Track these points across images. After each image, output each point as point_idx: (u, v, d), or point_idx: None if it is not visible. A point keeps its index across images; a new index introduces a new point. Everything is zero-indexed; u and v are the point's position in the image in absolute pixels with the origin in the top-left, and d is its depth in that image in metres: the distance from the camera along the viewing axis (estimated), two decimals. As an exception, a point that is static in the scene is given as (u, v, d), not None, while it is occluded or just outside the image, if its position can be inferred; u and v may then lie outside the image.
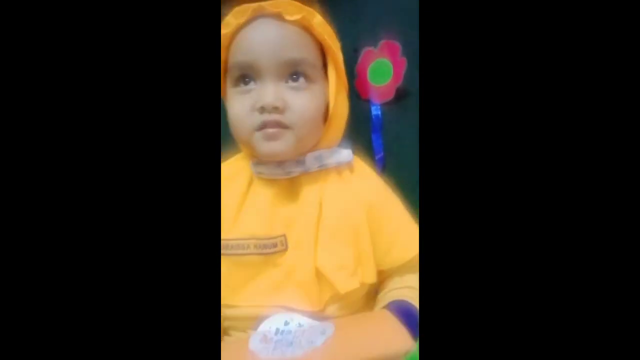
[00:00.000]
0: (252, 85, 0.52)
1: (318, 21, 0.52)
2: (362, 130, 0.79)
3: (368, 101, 0.79)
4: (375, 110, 0.80)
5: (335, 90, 0.54)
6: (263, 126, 0.51)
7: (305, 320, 0.51)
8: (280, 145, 0.51)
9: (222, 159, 0.60)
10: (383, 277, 0.59)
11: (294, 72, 0.51)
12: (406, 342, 0.46)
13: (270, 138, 0.51)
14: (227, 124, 0.54)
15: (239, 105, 0.52)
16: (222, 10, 0.51)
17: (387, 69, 0.77)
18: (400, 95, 0.79)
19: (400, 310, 0.53)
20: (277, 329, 0.50)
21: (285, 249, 0.54)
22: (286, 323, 0.51)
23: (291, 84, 0.52)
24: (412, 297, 0.56)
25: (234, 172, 0.59)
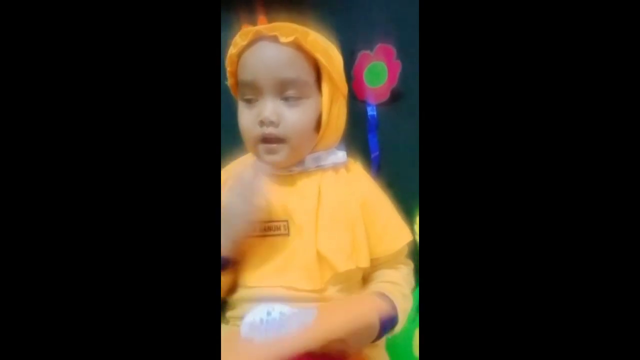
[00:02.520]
0: (254, 100, 0.59)
1: (311, 40, 0.58)
2: (358, 130, 0.82)
3: (364, 102, 0.82)
4: (371, 111, 0.83)
5: (329, 101, 0.61)
6: (263, 138, 0.59)
7: (287, 309, 0.54)
8: (278, 158, 0.60)
9: (232, 157, 0.68)
10: (373, 267, 0.64)
11: (287, 90, 0.58)
12: (371, 315, 0.53)
13: (270, 152, 0.60)
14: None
15: (246, 117, 0.60)
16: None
17: (382, 71, 0.80)
18: (395, 97, 0.82)
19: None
20: (261, 319, 0.53)
21: (288, 234, 0.60)
22: (268, 313, 0.53)
23: (285, 100, 0.59)
24: (391, 290, 0.61)
25: (242, 168, 0.65)
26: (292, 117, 0.58)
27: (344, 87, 0.63)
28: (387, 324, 0.57)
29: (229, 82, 0.64)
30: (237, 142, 0.65)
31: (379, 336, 0.57)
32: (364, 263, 0.60)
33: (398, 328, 0.61)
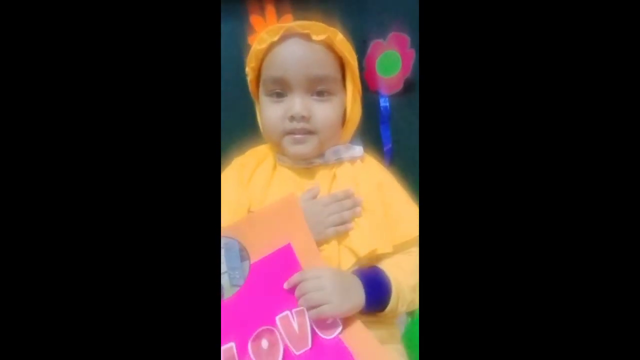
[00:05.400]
0: (283, 96, 0.60)
1: (340, 39, 0.59)
2: (370, 122, 0.80)
3: (376, 93, 0.80)
4: (384, 102, 0.80)
5: (352, 98, 0.63)
6: (292, 132, 0.60)
7: None
8: (305, 149, 0.61)
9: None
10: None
11: (318, 86, 0.60)
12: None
13: (298, 142, 0.61)
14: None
15: (272, 112, 0.61)
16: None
17: (395, 60, 0.78)
18: (409, 87, 0.79)
19: (365, 272, 0.58)
20: None
21: None
22: None
23: (316, 96, 0.60)
24: (388, 263, 0.59)
25: (260, 157, 0.67)
26: (323, 113, 0.60)
27: (360, 87, 0.65)
28: (372, 290, 0.55)
29: (249, 77, 0.64)
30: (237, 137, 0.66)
31: (368, 302, 0.54)
32: (386, 248, 0.59)
33: (402, 305, 0.58)
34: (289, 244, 0.56)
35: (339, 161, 0.64)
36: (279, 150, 0.64)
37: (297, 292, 0.53)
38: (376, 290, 0.56)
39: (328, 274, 0.54)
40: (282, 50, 0.59)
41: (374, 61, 0.78)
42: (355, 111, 0.65)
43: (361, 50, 0.76)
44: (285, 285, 0.54)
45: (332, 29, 0.59)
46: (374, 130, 0.81)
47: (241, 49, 0.67)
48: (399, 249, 0.62)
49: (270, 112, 0.61)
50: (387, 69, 0.79)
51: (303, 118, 0.59)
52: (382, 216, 0.61)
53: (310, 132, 0.60)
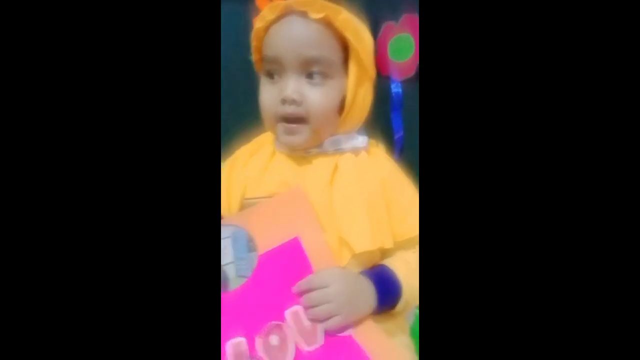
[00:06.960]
0: (277, 77, 0.58)
1: (342, 18, 0.56)
2: (381, 109, 0.77)
3: (388, 78, 0.77)
4: (396, 88, 0.77)
5: (355, 83, 0.59)
6: (284, 118, 0.57)
7: None
8: (297, 139, 0.58)
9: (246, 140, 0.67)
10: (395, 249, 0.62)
11: (312, 68, 0.57)
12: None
13: (289, 132, 0.58)
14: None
15: (267, 94, 0.59)
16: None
17: (408, 44, 0.74)
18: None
19: (375, 272, 0.57)
20: None
21: None
22: None
23: (309, 79, 0.57)
24: (398, 266, 0.58)
25: (260, 144, 0.65)
26: (315, 97, 0.57)
27: (372, 70, 0.61)
28: (383, 292, 0.54)
29: (254, 57, 0.62)
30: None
31: (380, 306, 0.54)
32: (387, 244, 0.57)
33: (411, 306, 0.58)
34: (296, 238, 0.54)
35: (339, 152, 0.61)
36: (275, 137, 0.62)
37: (305, 302, 0.52)
38: (386, 294, 0.54)
39: (336, 282, 0.52)
40: (278, 29, 0.58)
41: (385, 44, 0.75)
42: (359, 99, 0.61)
43: (372, 32, 0.73)
44: (294, 290, 0.52)
45: (334, 6, 0.56)
46: (384, 117, 0.78)
47: (242, 30, 0.65)
48: (403, 245, 0.59)
49: (266, 94, 0.59)
50: (399, 52, 0.76)
51: (294, 102, 0.57)
52: (385, 212, 0.58)
53: (301, 120, 0.58)
